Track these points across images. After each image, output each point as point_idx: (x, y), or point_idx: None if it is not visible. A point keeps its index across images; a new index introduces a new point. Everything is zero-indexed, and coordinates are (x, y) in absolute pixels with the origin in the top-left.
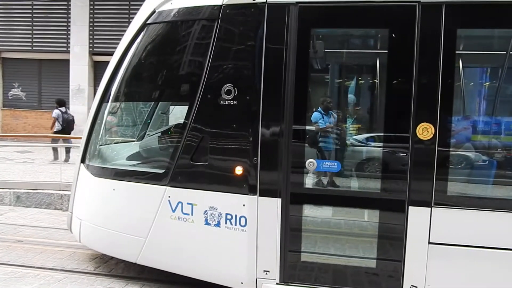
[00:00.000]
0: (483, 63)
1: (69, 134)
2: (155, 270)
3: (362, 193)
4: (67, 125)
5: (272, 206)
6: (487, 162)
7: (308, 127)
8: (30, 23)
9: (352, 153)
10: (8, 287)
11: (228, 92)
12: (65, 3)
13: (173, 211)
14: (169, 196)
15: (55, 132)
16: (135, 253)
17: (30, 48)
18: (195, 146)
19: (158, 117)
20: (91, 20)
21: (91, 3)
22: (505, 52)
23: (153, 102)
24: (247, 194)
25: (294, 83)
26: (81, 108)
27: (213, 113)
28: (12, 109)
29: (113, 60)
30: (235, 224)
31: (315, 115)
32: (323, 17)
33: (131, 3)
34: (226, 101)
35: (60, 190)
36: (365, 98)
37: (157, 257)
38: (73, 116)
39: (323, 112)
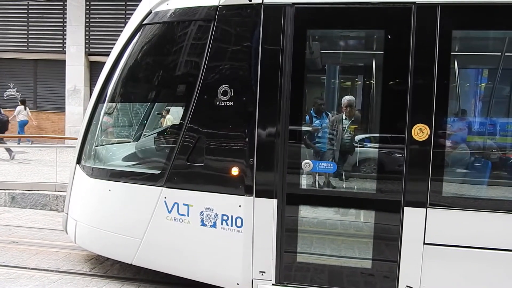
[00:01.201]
0: (479, 64)
1: (3, 134)
2: (151, 271)
3: (357, 193)
4: (2, 126)
5: (268, 207)
6: (482, 163)
7: (304, 128)
8: (26, 23)
9: (348, 154)
10: None
11: (225, 93)
12: (61, 3)
13: (169, 212)
14: (165, 197)
15: None
16: (130, 254)
17: (26, 48)
18: (191, 146)
19: (154, 118)
20: (87, 20)
21: (87, 3)
22: (500, 54)
23: (149, 103)
24: (243, 195)
25: (290, 84)
26: (77, 108)
27: (209, 113)
28: (8, 109)
29: (109, 61)
30: (231, 225)
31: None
32: (319, 18)
33: (127, 3)
34: (223, 102)
35: (55, 191)
36: (360, 99)
37: (153, 258)
38: (7, 117)
39: (314, 114)
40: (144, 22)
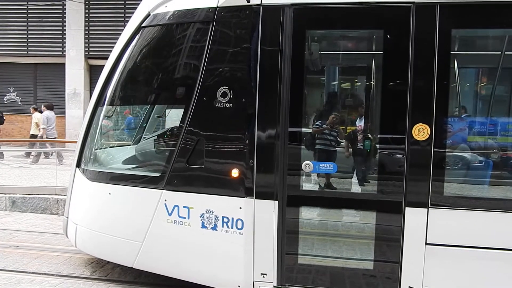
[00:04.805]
0: (478, 63)
1: None
2: (152, 274)
3: (358, 194)
4: None
5: (269, 209)
6: (483, 162)
7: (304, 129)
8: (25, 27)
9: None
10: None
11: (224, 95)
12: (61, 7)
13: (170, 214)
14: (165, 200)
15: None
16: (131, 258)
17: (26, 52)
18: (191, 149)
19: (154, 121)
20: (87, 24)
21: (87, 7)
22: (500, 52)
23: (148, 106)
24: (244, 197)
25: (290, 85)
26: (76, 112)
27: (209, 116)
28: (8, 113)
29: (108, 64)
30: (232, 227)
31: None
32: (317, 19)
33: (127, 6)
34: (222, 104)
35: (56, 194)
36: (361, 100)
37: (153, 261)
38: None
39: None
40: (143, 25)
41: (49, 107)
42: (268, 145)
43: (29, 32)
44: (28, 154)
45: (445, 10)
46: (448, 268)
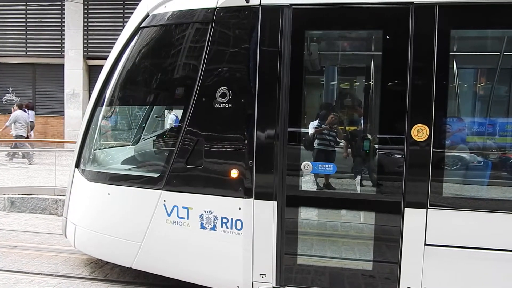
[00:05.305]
0: (477, 64)
1: None
2: (151, 274)
3: (357, 195)
4: None
5: (268, 209)
6: (482, 163)
7: (303, 130)
8: (24, 28)
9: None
10: None
11: (223, 95)
12: (59, 7)
13: (169, 215)
14: (164, 200)
15: None
16: (130, 258)
17: (24, 52)
18: (190, 149)
19: (153, 121)
20: (85, 24)
21: (85, 7)
22: (498, 53)
23: (148, 106)
24: (243, 197)
25: (289, 85)
26: (75, 112)
27: (208, 116)
28: (7, 114)
29: (107, 64)
30: (231, 228)
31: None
32: (317, 19)
33: (126, 7)
34: (221, 104)
35: (55, 195)
36: (360, 100)
37: (152, 261)
38: None
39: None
40: (142, 25)
41: (21, 107)
42: (267, 145)
43: (27, 32)
44: (23, 155)
45: (444, 10)
46: (447, 268)
